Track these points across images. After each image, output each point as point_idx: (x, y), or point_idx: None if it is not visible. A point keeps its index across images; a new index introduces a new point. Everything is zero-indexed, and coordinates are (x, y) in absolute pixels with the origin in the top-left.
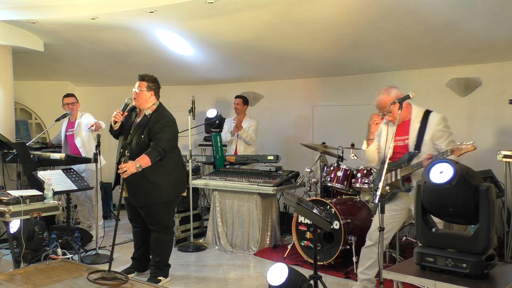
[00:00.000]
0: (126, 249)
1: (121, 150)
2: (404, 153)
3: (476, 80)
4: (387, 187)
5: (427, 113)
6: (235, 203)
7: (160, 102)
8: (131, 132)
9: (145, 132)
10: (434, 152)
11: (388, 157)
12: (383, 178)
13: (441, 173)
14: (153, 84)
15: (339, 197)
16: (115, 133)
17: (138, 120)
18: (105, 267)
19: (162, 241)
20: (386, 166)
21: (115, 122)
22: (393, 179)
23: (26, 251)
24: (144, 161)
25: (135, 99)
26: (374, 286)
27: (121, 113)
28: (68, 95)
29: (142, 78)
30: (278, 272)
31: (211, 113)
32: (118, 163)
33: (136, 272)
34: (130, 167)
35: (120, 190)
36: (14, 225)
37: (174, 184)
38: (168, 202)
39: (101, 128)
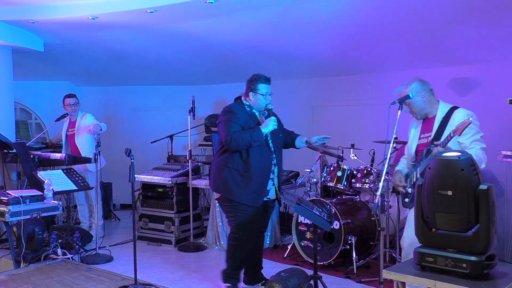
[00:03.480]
0: (126, 249)
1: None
2: None
3: (475, 81)
4: (409, 189)
5: (452, 109)
6: None
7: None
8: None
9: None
10: (458, 148)
11: (388, 156)
12: (382, 178)
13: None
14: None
15: (339, 197)
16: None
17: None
18: (105, 267)
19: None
20: (386, 165)
21: None
22: (414, 179)
23: (26, 251)
24: None
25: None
26: None
27: None
28: (69, 96)
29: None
30: None
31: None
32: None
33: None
34: None
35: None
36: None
37: None
38: None
39: (101, 131)
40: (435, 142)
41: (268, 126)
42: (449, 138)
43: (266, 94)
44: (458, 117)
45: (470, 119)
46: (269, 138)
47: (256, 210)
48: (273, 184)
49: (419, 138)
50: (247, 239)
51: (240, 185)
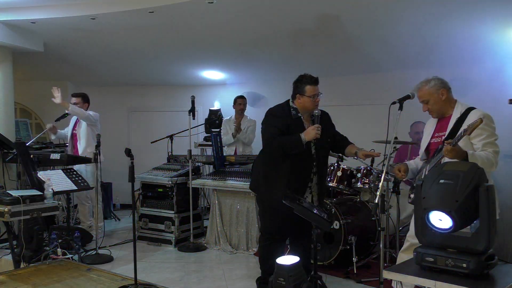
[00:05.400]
0: (126, 249)
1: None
2: None
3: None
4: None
5: (469, 110)
6: (235, 203)
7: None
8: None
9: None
10: (470, 149)
11: (388, 157)
12: (382, 178)
13: (441, 221)
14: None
15: (339, 197)
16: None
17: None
18: (105, 267)
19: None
20: (386, 165)
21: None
22: (423, 176)
23: (26, 251)
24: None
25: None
26: None
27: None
28: (73, 95)
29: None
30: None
31: (215, 106)
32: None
33: None
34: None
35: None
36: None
37: None
38: None
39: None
40: (445, 142)
41: (310, 135)
42: (460, 137)
43: (314, 96)
44: (473, 117)
45: (482, 119)
46: (312, 145)
47: (285, 215)
48: (311, 193)
49: (433, 137)
50: (271, 243)
51: (271, 185)
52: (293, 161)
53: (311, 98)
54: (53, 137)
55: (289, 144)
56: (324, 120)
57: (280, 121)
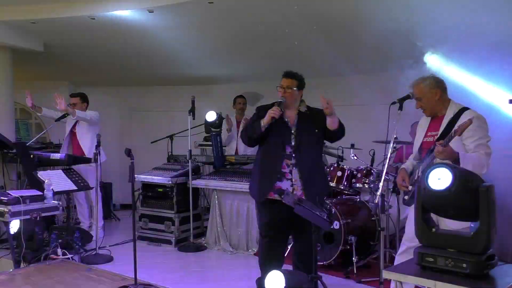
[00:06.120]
0: (126, 249)
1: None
2: None
3: None
4: (411, 187)
5: (462, 110)
6: (235, 203)
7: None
8: (293, 132)
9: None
10: (462, 150)
11: (388, 156)
12: (382, 178)
13: (439, 180)
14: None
15: (339, 197)
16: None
17: (289, 119)
18: (105, 267)
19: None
20: (386, 165)
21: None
22: (416, 178)
23: (26, 251)
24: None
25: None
26: None
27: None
28: (71, 95)
29: (292, 75)
30: (275, 280)
31: (210, 116)
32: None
33: None
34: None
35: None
36: (14, 225)
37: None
38: None
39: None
40: (436, 143)
41: (265, 118)
42: (450, 138)
43: (280, 87)
44: (465, 118)
45: (471, 120)
46: (292, 137)
47: (272, 210)
48: (292, 186)
49: (425, 136)
50: (266, 242)
51: (253, 179)
52: (266, 150)
53: (278, 88)
54: (39, 114)
55: (250, 127)
56: (313, 116)
57: (262, 113)
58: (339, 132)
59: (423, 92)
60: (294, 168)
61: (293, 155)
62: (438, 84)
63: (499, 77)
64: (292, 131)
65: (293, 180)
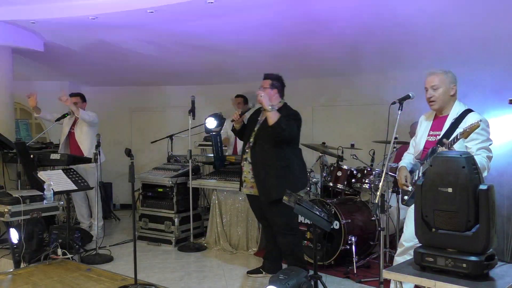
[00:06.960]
0: (126, 249)
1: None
2: None
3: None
4: (410, 188)
5: (466, 112)
6: (235, 203)
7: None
8: (256, 129)
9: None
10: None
11: (388, 157)
12: (382, 178)
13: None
14: (277, 82)
15: (339, 197)
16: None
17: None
18: (105, 267)
19: (289, 243)
20: (386, 165)
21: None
22: (416, 178)
23: (26, 251)
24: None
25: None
26: None
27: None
28: (72, 94)
29: (266, 76)
30: None
31: (210, 124)
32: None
33: (264, 272)
34: (264, 99)
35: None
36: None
37: (295, 181)
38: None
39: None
40: (443, 140)
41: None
42: (456, 139)
43: (260, 88)
44: (470, 120)
45: (479, 122)
46: (252, 133)
47: (250, 200)
48: (244, 180)
49: (428, 135)
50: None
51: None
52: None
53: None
54: (36, 115)
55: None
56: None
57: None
58: (275, 129)
59: (444, 82)
60: (247, 155)
61: (248, 150)
62: (456, 82)
63: None
64: (255, 129)
65: (245, 168)
